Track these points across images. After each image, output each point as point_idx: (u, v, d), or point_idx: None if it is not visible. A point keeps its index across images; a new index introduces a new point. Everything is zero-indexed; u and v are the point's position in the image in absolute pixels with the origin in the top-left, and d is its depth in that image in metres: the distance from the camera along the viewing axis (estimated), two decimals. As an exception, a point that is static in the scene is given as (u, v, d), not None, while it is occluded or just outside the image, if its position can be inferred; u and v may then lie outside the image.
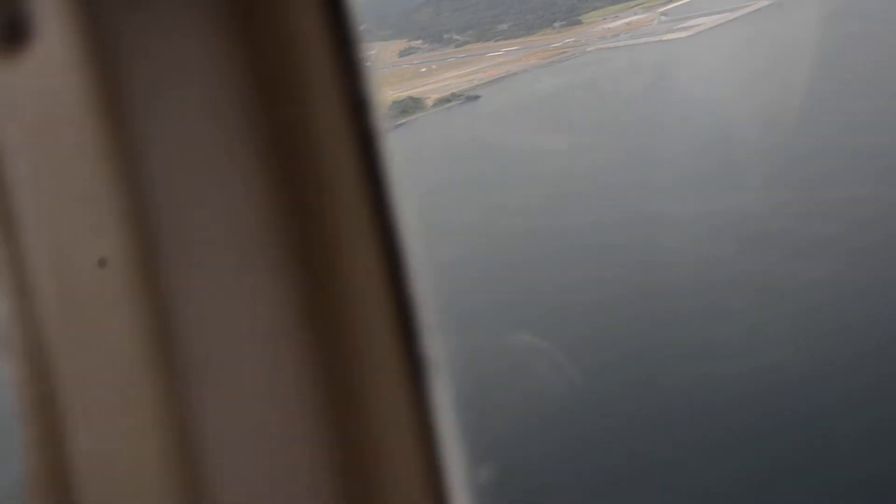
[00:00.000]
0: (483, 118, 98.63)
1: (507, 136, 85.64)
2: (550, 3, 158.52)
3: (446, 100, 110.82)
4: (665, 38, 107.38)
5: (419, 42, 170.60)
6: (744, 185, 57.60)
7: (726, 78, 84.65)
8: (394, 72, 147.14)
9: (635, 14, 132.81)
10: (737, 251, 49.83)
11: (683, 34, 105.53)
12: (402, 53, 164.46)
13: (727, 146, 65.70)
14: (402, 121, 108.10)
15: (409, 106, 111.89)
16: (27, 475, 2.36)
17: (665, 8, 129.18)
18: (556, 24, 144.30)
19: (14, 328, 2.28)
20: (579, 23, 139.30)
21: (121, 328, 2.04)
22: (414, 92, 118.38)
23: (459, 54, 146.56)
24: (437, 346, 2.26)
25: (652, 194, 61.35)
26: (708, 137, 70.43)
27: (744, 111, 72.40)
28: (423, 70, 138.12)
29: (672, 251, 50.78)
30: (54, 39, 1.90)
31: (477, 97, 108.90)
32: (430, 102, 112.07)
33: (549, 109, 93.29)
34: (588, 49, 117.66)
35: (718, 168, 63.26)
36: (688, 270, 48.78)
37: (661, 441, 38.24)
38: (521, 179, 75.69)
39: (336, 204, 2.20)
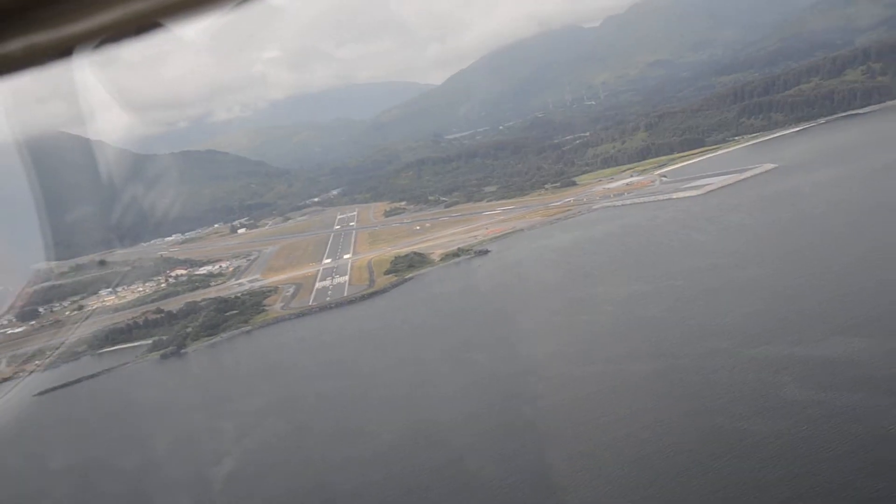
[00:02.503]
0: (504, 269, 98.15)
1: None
2: (535, 168, 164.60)
3: (454, 254, 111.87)
4: (675, 196, 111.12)
5: (403, 203, 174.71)
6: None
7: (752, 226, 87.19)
8: (385, 230, 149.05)
9: (631, 176, 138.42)
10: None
11: (694, 192, 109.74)
12: (389, 213, 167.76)
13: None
14: (411, 274, 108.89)
15: (416, 261, 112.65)
16: None
17: (661, 171, 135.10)
18: (548, 186, 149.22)
19: None
20: (574, 184, 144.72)
21: None
22: (417, 248, 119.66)
23: (452, 213, 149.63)
24: None
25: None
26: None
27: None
28: (418, 228, 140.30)
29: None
30: None
31: (487, 251, 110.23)
32: (436, 257, 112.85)
33: (575, 258, 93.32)
34: (594, 207, 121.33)
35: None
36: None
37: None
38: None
39: None
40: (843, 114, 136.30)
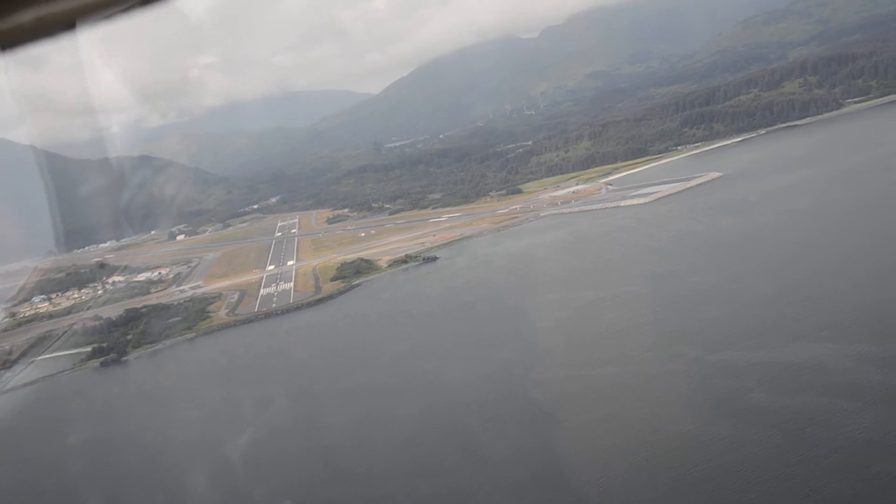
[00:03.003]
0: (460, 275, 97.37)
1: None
2: (479, 176, 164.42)
3: (402, 261, 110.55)
4: (623, 203, 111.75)
5: (346, 210, 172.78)
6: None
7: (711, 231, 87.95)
8: (329, 236, 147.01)
9: (577, 184, 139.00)
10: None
11: (642, 200, 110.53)
12: (332, 220, 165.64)
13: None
14: (359, 280, 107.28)
15: (363, 267, 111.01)
16: None
17: (607, 179, 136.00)
18: (494, 193, 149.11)
19: None
20: (520, 192, 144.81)
21: None
22: (363, 254, 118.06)
23: (397, 220, 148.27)
24: None
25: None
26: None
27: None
28: (363, 235, 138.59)
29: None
30: None
31: (435, 258, 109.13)
32: (383, 264, 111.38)
33: (527, 265, 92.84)
34: (542, 214, 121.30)
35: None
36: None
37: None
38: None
39: None
40: (783, 125, 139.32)
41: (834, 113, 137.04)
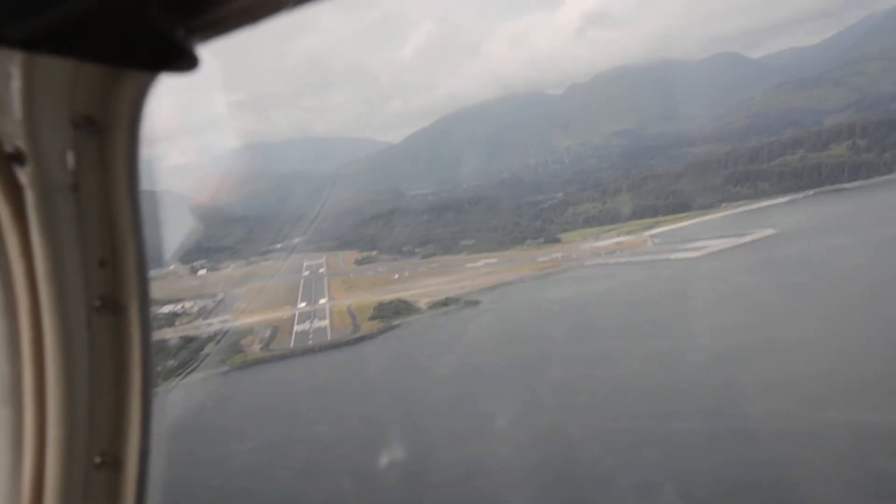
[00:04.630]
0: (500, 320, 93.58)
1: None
2: (513, 224, 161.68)
3: (443, 303, 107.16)
4: (673, 256, 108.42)
5: (374, 253, 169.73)
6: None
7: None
8: (360, 277, 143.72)
9: (618, 236, 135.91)
10: None
11: (694, 254, 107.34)
12: (360, 262, 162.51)
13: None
14: (398, 321, 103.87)
15: (402, 308, 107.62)
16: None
17: (650, 232, 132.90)
18: (529, 242, 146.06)
19: None
20: (558, 241, 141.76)
21: None
22: (400, 296, 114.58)
23: (430, 264, 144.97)
24: None
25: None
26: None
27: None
28: (396, 277, 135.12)
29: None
30: None
31: (478, 302, 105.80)
32: (422, 306, 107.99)
33: (581, 313, 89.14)
34: (586, 264, 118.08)
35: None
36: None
37: None
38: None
39: None
40: (831, 187, 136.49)
41: (885, 178, 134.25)
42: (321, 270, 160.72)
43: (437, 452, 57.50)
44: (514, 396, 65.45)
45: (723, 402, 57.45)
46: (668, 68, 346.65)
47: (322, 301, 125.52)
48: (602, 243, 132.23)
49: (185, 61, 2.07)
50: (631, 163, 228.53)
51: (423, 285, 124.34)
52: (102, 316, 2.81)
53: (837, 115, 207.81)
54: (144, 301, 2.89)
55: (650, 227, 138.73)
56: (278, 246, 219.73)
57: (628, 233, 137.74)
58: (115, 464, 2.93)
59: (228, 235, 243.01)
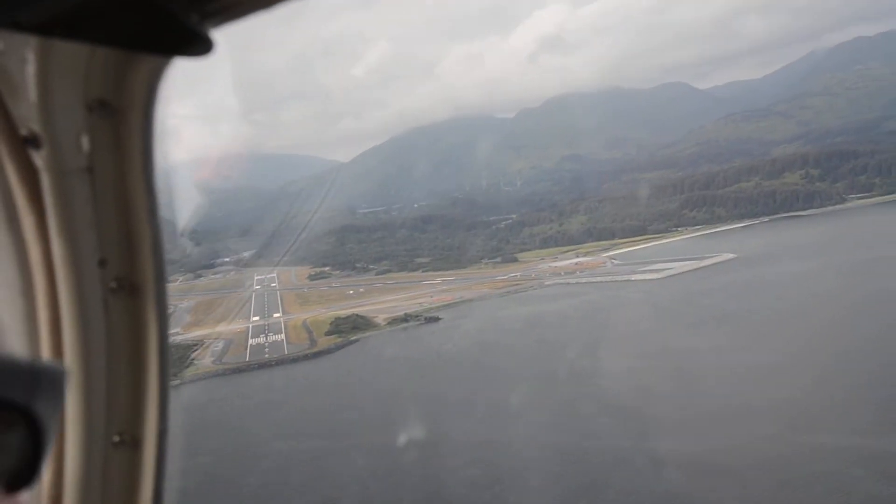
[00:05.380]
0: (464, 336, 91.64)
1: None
2: (468, 243, 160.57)
3: (402, 319, 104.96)
4: (634, 278, 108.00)
5: (327, 268, 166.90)
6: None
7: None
8: (314, 292, 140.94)
9: (577, 257, 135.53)
10: None
11: (655, 276, 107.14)
12: (313, 277, 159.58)
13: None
14: (356, 336, 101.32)
15: (360, 323, 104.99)
16: None
17: (609, 254, 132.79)
18: (486, 261, 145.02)
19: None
20: (516, 260, 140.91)
21: None
22: (357, 311, 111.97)
23: (386, 281, 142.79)
24: None
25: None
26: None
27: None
28: (351, 292, 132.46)
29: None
30: None
31: (437, 318, 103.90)
32: (381, 321, 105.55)
33: (544, 331, 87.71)
34: (546, 283, 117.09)
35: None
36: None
37: None
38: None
39: None
40: (786, 214, 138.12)
41: (838, 207, 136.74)
42: (273, 285, 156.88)
43: (401, 472, 55.29)
44: (484, 413, 63.71)
45: (689, 422, 56.45)
46: (618, 96, 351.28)
47: (276, 315, 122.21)
48: (561, 263, 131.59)
49: (199, 46, 2.05)
50: (583, 187, 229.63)
51: (380, 301, 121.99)
52: (119, 297, 2.83)
53: (786, 146, 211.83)
54: (160, 282, 2.89)
55: (607, 248, 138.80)
56: (227, 260, 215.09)
57: (586, 254, 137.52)
58: (133, 443, 2.95)
59: (175, 248, 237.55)
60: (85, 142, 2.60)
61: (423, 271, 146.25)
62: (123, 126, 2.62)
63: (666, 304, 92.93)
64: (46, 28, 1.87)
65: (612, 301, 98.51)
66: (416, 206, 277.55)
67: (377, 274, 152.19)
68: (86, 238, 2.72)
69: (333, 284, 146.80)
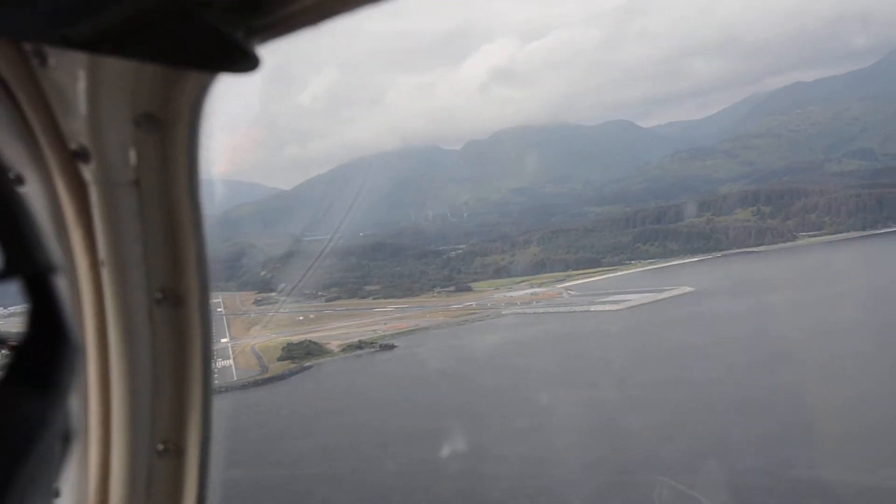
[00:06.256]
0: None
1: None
2: (419, 272, 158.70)
3: (356, 346, 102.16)
4: (593, 309, 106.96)
5: (274, 294, 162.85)
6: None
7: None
8: (262, 318, 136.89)
9: (531, 287, 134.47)
10: None
11: (614, 307, 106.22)
12: (259, 302, 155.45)
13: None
14: (310, 363, 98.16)
15: (313, 349, 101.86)
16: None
17: (564, 285, 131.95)
18: (439, 290, 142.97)
19: None
20: (470, 290, 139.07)
21: None
22: (308, 337, 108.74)
23: (336, 307, 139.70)
24: None
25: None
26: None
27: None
28: (301, 318, 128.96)
29: None
30: None
31: (393, 346, 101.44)
32: (334, 348, 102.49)
33: (508, 360, 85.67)
34: (503, 312, 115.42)
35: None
36: None
37: None
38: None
39: None
40: (738, 250, 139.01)
41: (789, 244, 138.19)
42: (219, 309, 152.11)
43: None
44: (445, 441, 61.42)
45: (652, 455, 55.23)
46: (565, 131, 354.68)
47: (224, 340, 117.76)
48: (516, 293, 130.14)
49: (245, 62, 2.05)
50: (532, 219, 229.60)
51: (331, 328, 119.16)
52: (164, 308, 2.87)
53: (731, 185, 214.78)
54: (204, 293, 2.95)
55: (562, 280, 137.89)
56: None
57: (540, 285, 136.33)
58: (176, 451, 3.00)
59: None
60: (132, 155, 2.64)
61: (373, 298, 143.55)
62: (169, 140, 2.66)
63: (628, 335, 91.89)
64: (94, 44, 1.90)
65: (574, 331, 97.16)
66: (361, 234, 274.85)
67: (326, 300, 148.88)
68: (132, 250, 2.76)
69: (282, 311, 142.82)
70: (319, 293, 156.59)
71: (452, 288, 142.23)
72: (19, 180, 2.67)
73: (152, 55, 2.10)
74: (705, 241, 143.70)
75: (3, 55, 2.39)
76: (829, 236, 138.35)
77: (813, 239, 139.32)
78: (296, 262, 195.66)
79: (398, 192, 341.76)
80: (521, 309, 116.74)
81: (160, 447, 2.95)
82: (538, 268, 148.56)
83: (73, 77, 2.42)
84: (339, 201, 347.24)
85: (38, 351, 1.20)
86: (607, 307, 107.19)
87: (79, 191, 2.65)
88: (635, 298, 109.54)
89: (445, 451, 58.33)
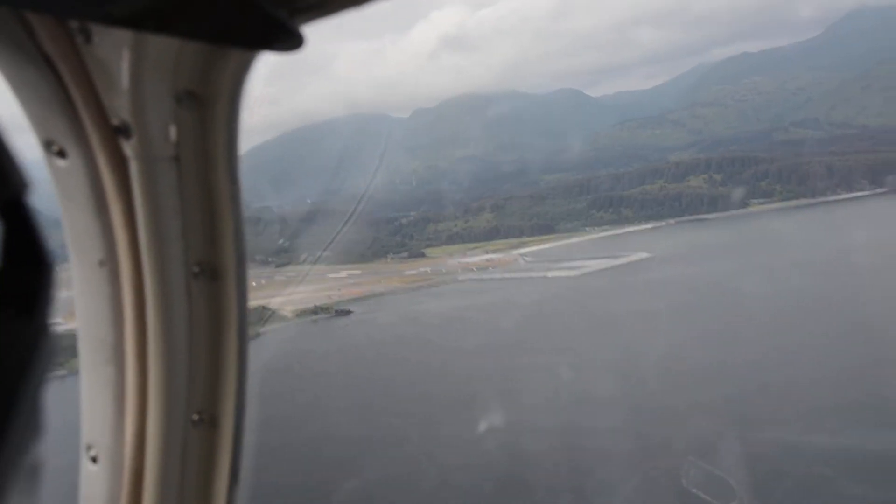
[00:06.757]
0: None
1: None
2: (371, 238, 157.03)
3: (312, 312, 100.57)
4: (550, 274, 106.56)
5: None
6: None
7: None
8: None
9: (486, 253, 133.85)
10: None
11: (572, 273, 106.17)
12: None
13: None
14: (263, 329, 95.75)
15: (266, 315, 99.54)
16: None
17: (519, 251, 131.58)
18: (392, 256, 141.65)
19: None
20: (424, 256, 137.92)
21: None
22: (260, 303, 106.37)
23: (287, 273, 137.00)
24: None
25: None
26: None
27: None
28: (254, 284, 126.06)
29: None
30: None
31: (349, 311, 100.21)
32: (288, 314, 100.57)
33: (468, 326, 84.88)
34: (459, 278, 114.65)
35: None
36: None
37: None
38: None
39: None
40: (691, 217, 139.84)
41: (741, 211, 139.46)
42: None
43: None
44: (409, 407, 60.55)
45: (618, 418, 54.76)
46: (513, 99, 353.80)
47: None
48: (471, 259, 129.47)
49: (288, 41, 2.07)
50: (483, 187, 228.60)
51: (284, 293, 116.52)
52: (201, 281, 2.98)
53: (680, 153, 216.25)
54: (241, 267, 3.06)
55: (517, 246, 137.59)
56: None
57: (495, 251, 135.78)
58: (211, 422, 3.12)
59: (55, 235, 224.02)
60: (172, 132, 2.70)
61: (326, 264, 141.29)
62: (210, 117, 2.72)
63: (587, 299, 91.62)
64: (138, 21, 1.92)
65: (532, 297, 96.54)
66: (308, 200, 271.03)
67: (277, 266, 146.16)
68: (171, 224, 2.82)
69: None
70: (270, 259, 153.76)
71: (405, 254, 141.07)
72: (61, 154, 2.70)
73: (196, 33, 2.14)
74: (659, 208, 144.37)
75: (48, 32, 2.42)
76: (781, 203, 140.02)
77: (764, 206, 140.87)
78: (245, 228, 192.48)
79: (346, 159, 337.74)
80: (477, 275, 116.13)
81: (195, 417, 3.03)
82: (492, 234, 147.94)
83: (117, 54, 2.46)
84: (287, 168, 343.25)
85: (19, 275, 1.17)
86: (564, 273, 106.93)
87: (119, 166, 2.71)
88: (592, 264, 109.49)
89: (405, 420, 57.54)
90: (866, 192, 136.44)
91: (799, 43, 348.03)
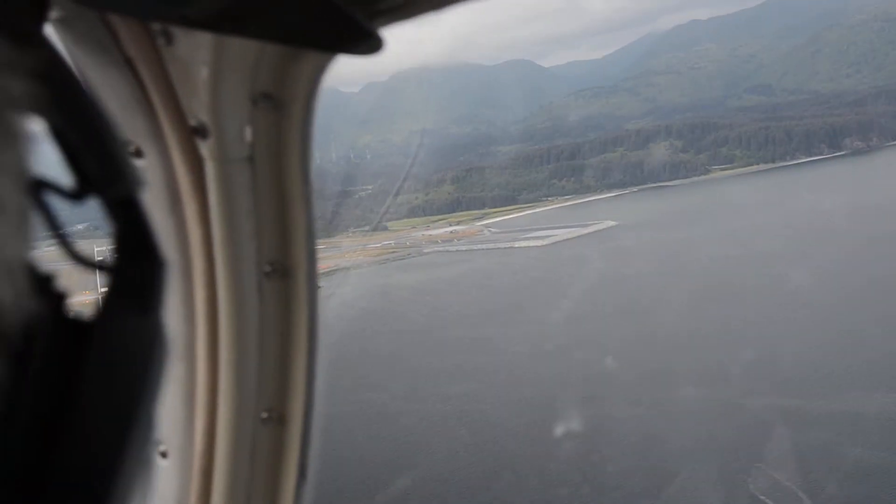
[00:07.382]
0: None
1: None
2: (330, 212, 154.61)
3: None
4: (517, 245, 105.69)
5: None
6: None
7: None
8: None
9: (450, 226, 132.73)
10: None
11: (539, 243, 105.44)
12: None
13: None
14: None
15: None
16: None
17: (483, 223, 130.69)
18: (353, 230, 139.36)
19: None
20: (386, 229, 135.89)
21: None
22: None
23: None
24: None
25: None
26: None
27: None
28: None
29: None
30: None
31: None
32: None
33: (440, 298, 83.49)
34: (425, 251, 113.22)
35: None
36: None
37: None
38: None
39: None
40: (653, 185, 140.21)
41: (702, 177, 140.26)
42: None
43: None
44: (386, 382, 59.29)
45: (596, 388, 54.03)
46: (464, 71, 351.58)
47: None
48: (435, 232, 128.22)
49: (368, 44, 2.06)
50: (439, 159, 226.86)
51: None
52: (272, 280, 3.01)
53: (637, 121, 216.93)
54: (312, 267, 3.08)
55: (480, 218, 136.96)
56: (80, 227, 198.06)
57: (458, 223, 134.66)
58: (280, 420, 3.15)
59: None
60: (248, 133, 2.74)
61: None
62: (285, 118, 2.76)
63: (558, 268, 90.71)
64: (216, 24, 1.95)
65: (501, 267, 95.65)
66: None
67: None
68: (244, 224, 2.86)
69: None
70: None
71: (368, 228, 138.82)
72: (138, 153, 2.75)
73: (273, 35, 2.18)
74: (621, 177, 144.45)
75: (130, 34, 2.48)
76: (741, 168, 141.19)
77: (725, 172, 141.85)
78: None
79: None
80: (442, 247, 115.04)
81: (264, 415, 3.08)
82: (454, 206, 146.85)
83: (197, 56, 2.51)
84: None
85: (134, 271, 1.20)
86: (532, 243, 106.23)
87: (195, 166, 2.76)
88: (560, 233, 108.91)
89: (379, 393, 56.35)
90: (825, 156, 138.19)
91: (746, 10, 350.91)
